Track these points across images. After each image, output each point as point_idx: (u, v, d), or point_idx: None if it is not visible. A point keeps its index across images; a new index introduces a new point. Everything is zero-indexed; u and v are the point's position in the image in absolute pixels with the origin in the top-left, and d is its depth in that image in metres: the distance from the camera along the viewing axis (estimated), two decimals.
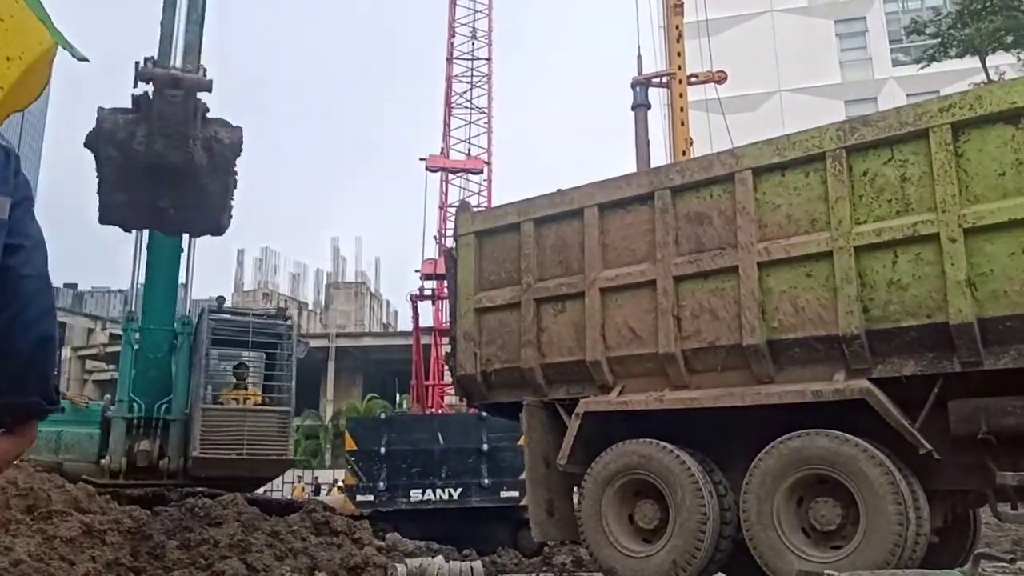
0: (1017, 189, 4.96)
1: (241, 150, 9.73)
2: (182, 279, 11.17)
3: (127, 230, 10.39)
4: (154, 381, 10.46)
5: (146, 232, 10.61)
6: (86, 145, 9.26)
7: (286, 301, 53.71)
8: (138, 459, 9.97)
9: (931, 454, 5.16)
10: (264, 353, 11.14)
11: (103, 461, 9.77)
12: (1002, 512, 5.52)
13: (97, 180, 9.54)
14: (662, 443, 6.03)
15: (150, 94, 8.89)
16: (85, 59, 1.93)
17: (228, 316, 11.10)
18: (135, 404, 10.15)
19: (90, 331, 44.69)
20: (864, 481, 5.16)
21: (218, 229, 10.55)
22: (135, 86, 8.84)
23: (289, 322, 11.39)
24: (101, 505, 7.34)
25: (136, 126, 8.73)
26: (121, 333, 10.52)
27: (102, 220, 10.02)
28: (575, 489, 6.72)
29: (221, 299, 11.79)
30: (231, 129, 9.62)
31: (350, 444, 13.74)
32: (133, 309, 10.48)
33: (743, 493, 5.65)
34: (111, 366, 32.65)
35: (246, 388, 11.23)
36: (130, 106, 9.04)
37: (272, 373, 10.91)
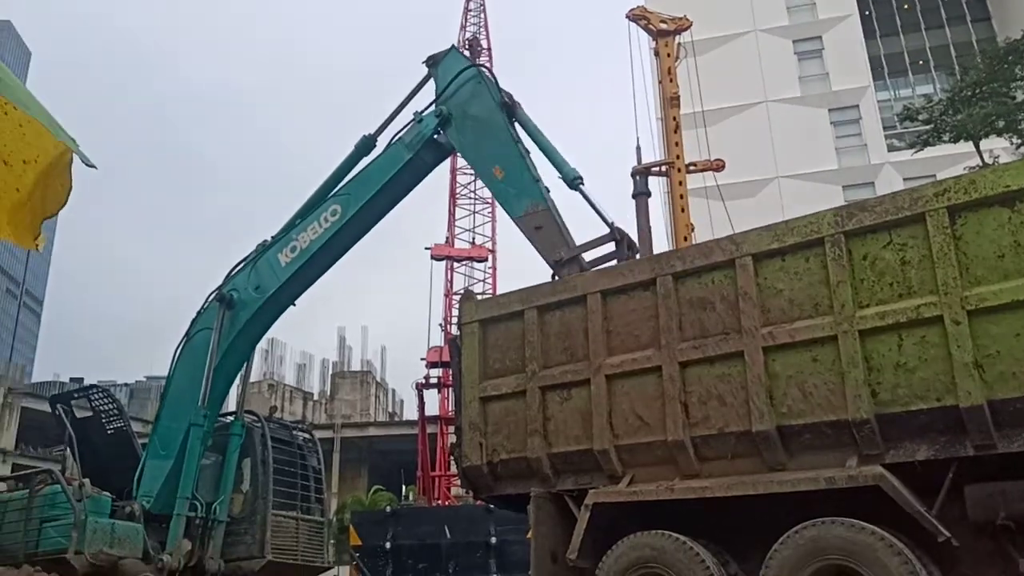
0: (1017, 271, 4.99)
1: None
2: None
3: None
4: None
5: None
6: None
7: (292, 392, 53.42)
8: (192, 559, 9.80)
9: (950, 542, 5.02)
10: (292, 461, 11.30)
11: (166, 559, 9.48)
12: None
13: None
14: (674, 535, 5.88)
15: None
16: (93, 166, 2.00)
17: (277, 424, 11.61)
18: (196, 503, 9.93)
19: None
20: (884, 571, 4.99)
21: None
22: None
23: (311, 434, 12.10)
24: None
25: None
26: (190, 428, 10.03)
27: None
28: None
29: (274, 408, 12.32)
30: None
31: (355, 539, 13.46)
32: (204, 404, 10.05)
33: None
34: None
35: None
36: None
37: (302, 483, 11.22)
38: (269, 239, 10.45)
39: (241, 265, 10.54)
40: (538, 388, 6.81)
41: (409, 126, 9.77)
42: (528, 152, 9.09)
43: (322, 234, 9.96)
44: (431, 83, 9.98)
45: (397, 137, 9.84)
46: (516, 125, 9.23)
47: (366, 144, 10.15)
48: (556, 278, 7.95)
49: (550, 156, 9.05)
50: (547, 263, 8.34)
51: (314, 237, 9.99)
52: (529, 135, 9.22)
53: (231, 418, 10.98)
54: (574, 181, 8.75)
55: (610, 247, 8.39)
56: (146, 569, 9.24)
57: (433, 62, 9.93)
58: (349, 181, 10.13)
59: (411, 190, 10.13)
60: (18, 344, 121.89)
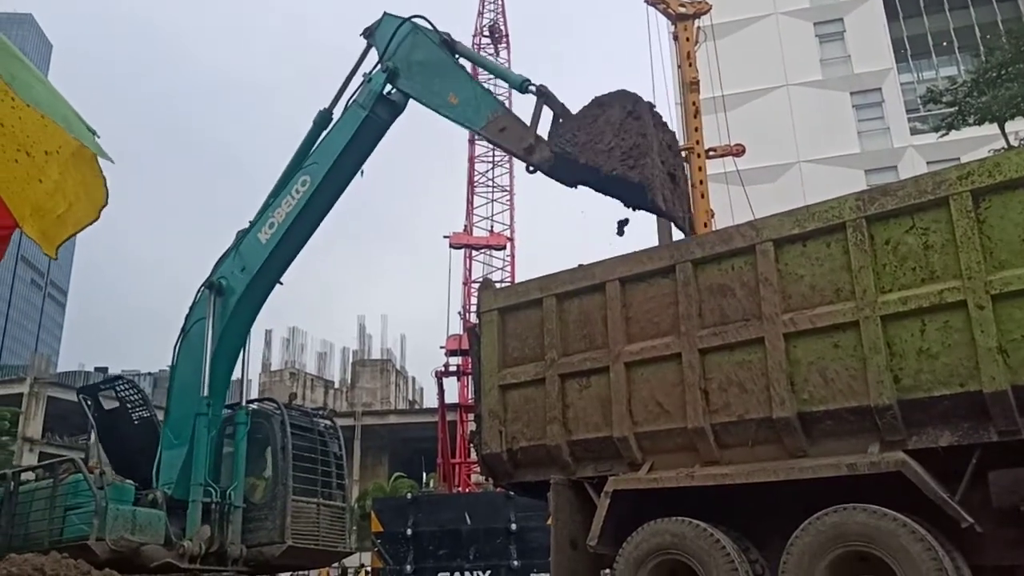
0: None
1: None
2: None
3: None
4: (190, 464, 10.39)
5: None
6: None
7: (313, 380, 53.86)
8: (213, 544, 9.92)
9: (973, 528, 4.98)
10: (312, 448, 11.39)
11: (186, 544, 9.61)
12: None
13: None
14: (695, 521, 5.88)
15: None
16: (109, 159, 2.02)
17: (297, 412, 11.72)
18: (211, 489, 10.08)
19: None
20: (906, 557, 4.97)
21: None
22: None
23: (333, 420, 12.17)
24: None
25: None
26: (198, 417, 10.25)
27: None
28: (603, 572, 6.53)
29: (293, 395, 12.42)
30: None
31: (376, 526, 13.57)
32: (207, 394, 10.26)
33: (781, 572, 5.46)
34: None
35: None
36: None
37: (323, 469, 11.29)
38: (247, 225, 10.83)
39: (226, 254, 10.90)
40: (557, 376, 6.81)
41: (360, 88, 10.26)
42: (477, 74, 9.74)
43: (295, 205, 10.39)
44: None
45: (351, 100, 10.31)
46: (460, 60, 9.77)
47: (324, 118, 10.60)
48: (529, 169, 8.63)
49: (497, 73, 9.93)
50: (517, 157, 8.93)
51: (289, 210, 10.42)
52: (473, 62, 9.91)
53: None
54: (522, 85, 9.13)
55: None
56: (167, 555, 9.37)
57: (368, 33, 10.42)
58: (313, 151, 10.56)
59: (372, 149, 10.55)
60: (43, 335, 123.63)
